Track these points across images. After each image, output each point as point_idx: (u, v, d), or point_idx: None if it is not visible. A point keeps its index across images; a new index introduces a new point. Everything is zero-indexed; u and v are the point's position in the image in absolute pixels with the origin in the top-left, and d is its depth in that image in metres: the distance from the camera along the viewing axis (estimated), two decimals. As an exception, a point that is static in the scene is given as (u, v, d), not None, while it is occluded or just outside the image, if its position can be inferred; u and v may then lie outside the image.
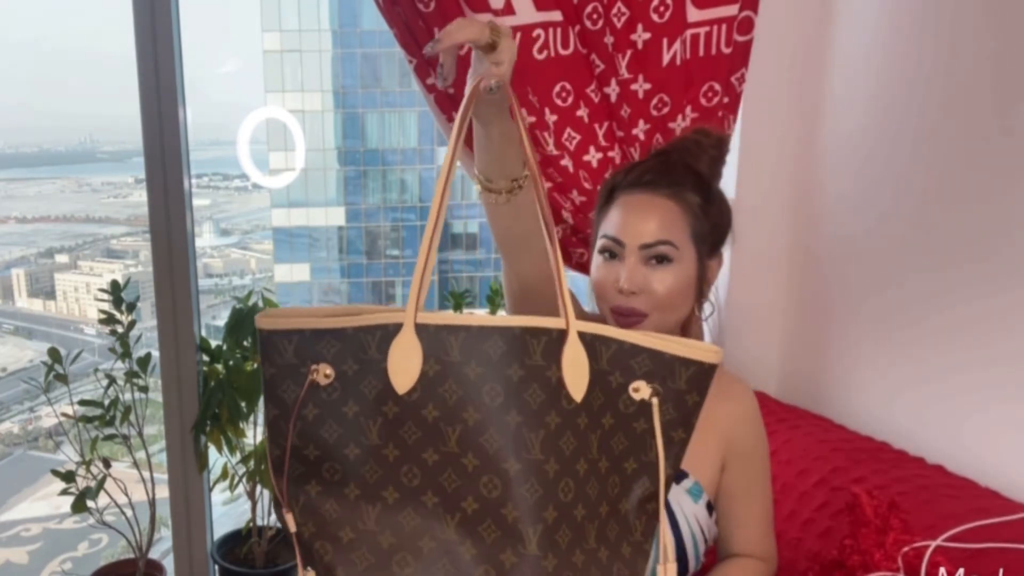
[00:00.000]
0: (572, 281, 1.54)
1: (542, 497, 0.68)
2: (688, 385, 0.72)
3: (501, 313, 1.66)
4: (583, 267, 1.53)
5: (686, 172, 0.95)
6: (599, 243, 0.96)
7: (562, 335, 0.69)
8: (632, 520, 0.73)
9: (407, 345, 0.69)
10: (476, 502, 0.69)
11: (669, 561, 0.73)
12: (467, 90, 0.75)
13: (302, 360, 0.72)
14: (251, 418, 1.74)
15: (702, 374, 0.72)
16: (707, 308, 1.02)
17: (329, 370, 0.71)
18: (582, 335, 0.70)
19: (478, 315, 0.69)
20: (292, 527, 0.74)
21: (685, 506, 0.94)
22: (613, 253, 0.93)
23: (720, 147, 1.02)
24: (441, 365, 0.69)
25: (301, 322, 0.72)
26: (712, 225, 0.95)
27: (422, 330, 0.69)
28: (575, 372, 0.69)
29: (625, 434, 0.72)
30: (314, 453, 0.73)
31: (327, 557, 0.73)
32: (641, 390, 0.71)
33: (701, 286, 0.96)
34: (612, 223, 0.94)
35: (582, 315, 1.06)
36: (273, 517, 1.79)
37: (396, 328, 0.69)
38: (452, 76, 0.77)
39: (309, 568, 0.75)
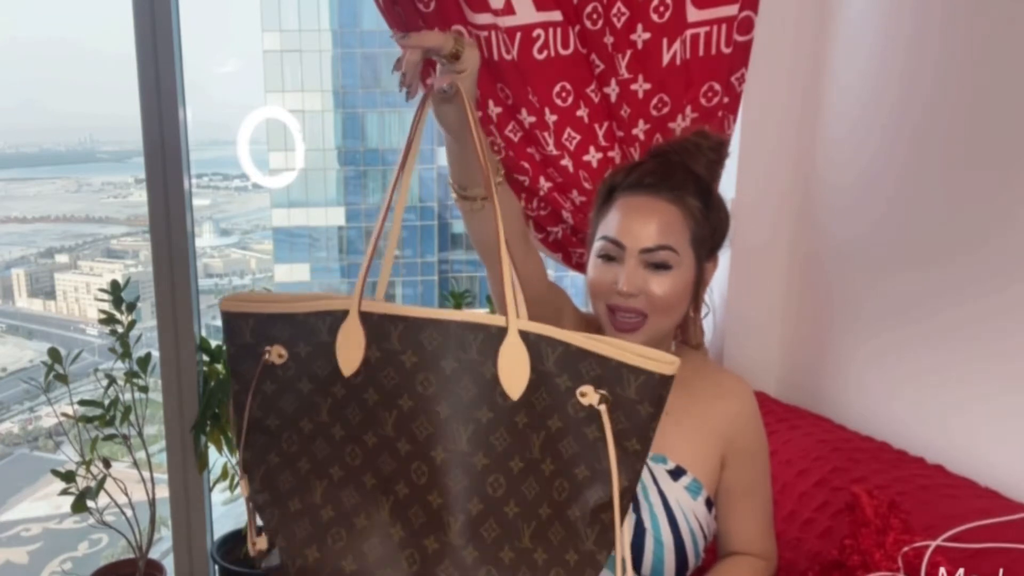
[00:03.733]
0: (572, 280, 1.54)
1: (466, 488, 0.69)
2: (638, 395, 0.69)
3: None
4: (582, 267, 1.53)
5: (687, 176, 0.95)
6: (597, 244, 0.95)
7: (502, 332, 0.70)
8: (582, 528, 0.71)
9: (352, 331, 0.73)
10: (407, 487, 0.72)
11: (627, 573, 0.72)
12: (423, 95, 0.78)
13: (258, 341, 0.77)
14: (251, 418, 1.73)
15: (653, 384, 0.68)
16: (702, 309, 1.02)
17: (283, 351, 0.77)
18: (526, 334, 0.70)
19: (424, 308, 0.71)
20: (244, 492, 0.80)
21: (683, 503, 0.94)
22: (612, 255, 0.93)
23: (719, 150, 1.01)
24: (382, 352, 0.72)
25: (257, 306, 0.77)
26: (712, 230, 0.95)
27: (366, 317, 0.73)
28: (512, 370, 0.69)
29: (576, 439, 0.71)
30: (275, 423, 0.78)
31: (272, 523, 0.78)
32: (588, 395, 0.69)
33: (698, 289, 0.96)
34: (612, 225, 0.93)
35: (577, 315, 1.06)
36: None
37: (343, 314, 0.74)
38: (415, 83, 0.79)
39: (262, 534, 0.80)
